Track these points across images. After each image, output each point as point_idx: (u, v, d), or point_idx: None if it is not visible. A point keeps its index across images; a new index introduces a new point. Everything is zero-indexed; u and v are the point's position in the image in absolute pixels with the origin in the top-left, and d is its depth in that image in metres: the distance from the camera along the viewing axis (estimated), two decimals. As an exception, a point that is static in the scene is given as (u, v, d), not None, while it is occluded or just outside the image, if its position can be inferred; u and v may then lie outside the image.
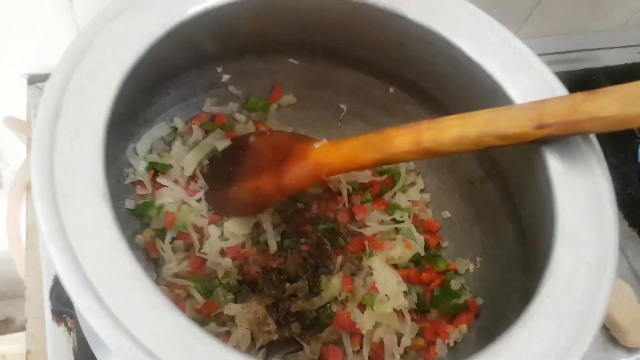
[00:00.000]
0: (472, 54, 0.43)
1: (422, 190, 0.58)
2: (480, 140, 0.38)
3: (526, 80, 0.41)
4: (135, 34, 0.34)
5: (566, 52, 0.85)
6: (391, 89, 0.56)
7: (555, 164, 0.37)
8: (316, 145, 0.48)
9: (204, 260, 0.49)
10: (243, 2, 0.42)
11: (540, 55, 0.43)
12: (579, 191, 0.36)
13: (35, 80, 0.65)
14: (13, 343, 1.02)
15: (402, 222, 0.54)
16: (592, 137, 0.38)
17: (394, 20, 0.45)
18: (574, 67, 0.84)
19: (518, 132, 0.37)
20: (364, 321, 0.47)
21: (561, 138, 0.37)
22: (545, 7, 0.81)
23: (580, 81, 0.80)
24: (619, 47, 0.89)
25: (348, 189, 0.56)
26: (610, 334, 0.58)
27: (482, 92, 0.44)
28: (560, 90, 0.40)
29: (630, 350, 0.57)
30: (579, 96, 0.36)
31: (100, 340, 0.40)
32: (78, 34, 0.32)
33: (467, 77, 0.45)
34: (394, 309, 0.48)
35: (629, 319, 0.57)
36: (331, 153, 0.46)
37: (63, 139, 0.29)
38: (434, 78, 0.50)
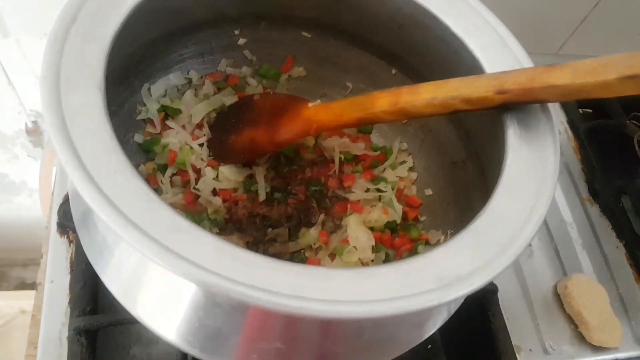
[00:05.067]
0: (457, 32, 0.47)
1: (410, 169, 0.61)
2: (447, 103, 0.42)
3: (502, 59, 0.45)
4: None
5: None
6: (394, 71, 0.59)
7: (511, 128, 0.40)
8: (310, 104, 0.52)
9: (197, 196, 0.54)
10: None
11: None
12: (527, 153, 0.39)
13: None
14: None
15: (385, 192, 0.58)
16: (551, 109, 0.41)
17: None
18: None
19: (480, 96, 0.40)
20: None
21: (519, 104, 0.40)
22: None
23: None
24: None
25: (340, 158, 0.60)
26: (578, 330, 0.59)
27: (466, 70, 0.47)
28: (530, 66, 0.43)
29: (595, 348, 0.58)
30: (540, 69, 0.39)
31: (100, 248, 0.45)
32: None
33: (453, 56, 0.48)
34: (361, 260, 0.51)
35: (597, 319, 0.58)
36: (321, 111, 0.51)
37: (74, 39, 0.34)
38: (427, 60, 0.53)
